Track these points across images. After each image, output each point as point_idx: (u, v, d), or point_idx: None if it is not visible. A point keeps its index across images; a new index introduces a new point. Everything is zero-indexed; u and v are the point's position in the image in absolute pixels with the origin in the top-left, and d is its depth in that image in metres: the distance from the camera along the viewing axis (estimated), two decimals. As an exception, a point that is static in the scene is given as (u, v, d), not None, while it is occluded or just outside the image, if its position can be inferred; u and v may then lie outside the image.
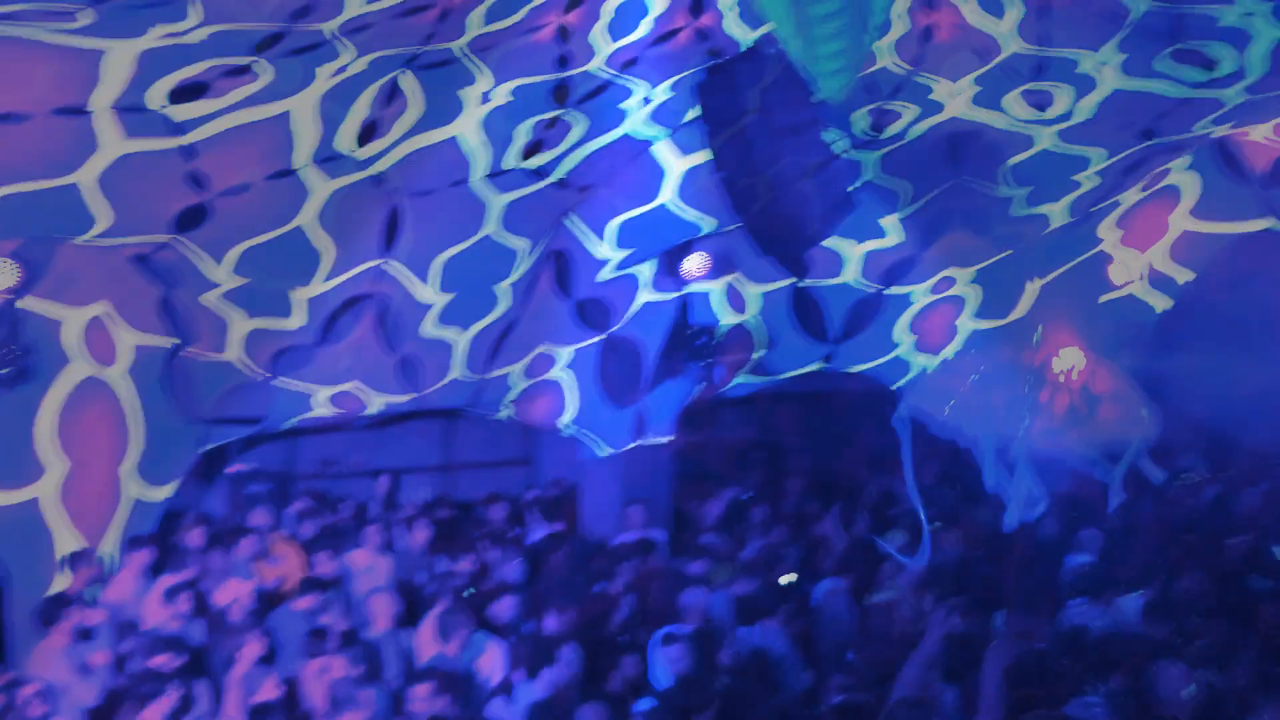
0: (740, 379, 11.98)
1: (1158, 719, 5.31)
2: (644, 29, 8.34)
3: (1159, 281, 12.59)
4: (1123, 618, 7.26)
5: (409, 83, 8.06)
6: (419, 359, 9.94)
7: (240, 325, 9.01)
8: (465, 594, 8.45)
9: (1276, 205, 11.77)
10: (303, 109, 7.75)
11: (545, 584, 8.84)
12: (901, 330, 12.04)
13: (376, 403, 10.11)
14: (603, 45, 8.34)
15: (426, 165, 8.76)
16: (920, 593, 8.06)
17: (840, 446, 13.67)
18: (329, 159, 8.26)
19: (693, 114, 8.97)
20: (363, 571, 8.93)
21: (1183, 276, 12.35)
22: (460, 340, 10.04)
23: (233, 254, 8.47)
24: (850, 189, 10.08)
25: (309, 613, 7.71)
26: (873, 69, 8.95)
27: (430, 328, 9.79)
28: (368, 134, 8.27)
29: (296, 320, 9.17)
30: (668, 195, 10.03)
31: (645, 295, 10.96)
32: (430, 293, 9.53)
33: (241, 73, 7.26)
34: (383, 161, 8.58)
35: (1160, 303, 12.82)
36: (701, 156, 9.34)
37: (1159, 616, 6.88)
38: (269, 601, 8.15)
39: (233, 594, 7.80)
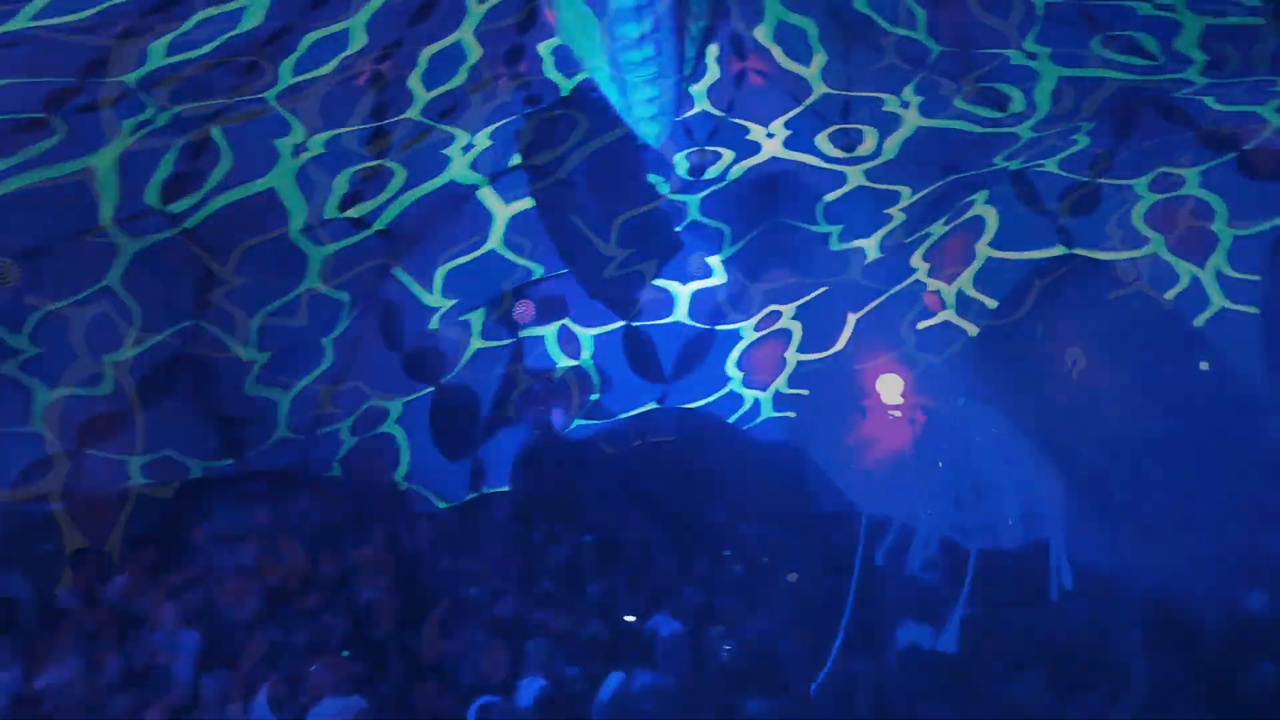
0: (578, 422, 11.98)
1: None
2: (461, 76, 8.31)
3: (967, 308, 13.29)
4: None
5: (219, 135, 7.79)
6: (241, 420, 9.53)
7: (42, 395, 8.42)
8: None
9: (1067, 232, 12.62)
10: (104, 165, 7.37)
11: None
12: (732, 366, 12.29)
13: (195, 469, 9.61)
14: (420, 92, 8.26)
15: (241, 218, 8.46)
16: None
17: (680, 485, 13.77)
18: (135, 215, 7.87)
19: (515, 160, 8.98)
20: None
21: (989, 303, 13.07)
22: (284, 399, 9.68)
23: (31, 321, 7.95)
24: (677, 230, 10.34)
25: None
26: (690, 113, 9.17)
27: (252, 386, 9.41)
28: (177, 188, 7.93)
29: (106, 388, 8.65)
30: (495, 241, 9.99)
31: (477, 343, 10.85)
32: (250, 351, 9.18)
33: (34, 127, 6.86)
34: (194, 216, 8.24)
35: (971, 328, 13.53)
36: (526, 202, 9.36)
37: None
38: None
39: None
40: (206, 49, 6.87)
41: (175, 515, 9.03)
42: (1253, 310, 13.22)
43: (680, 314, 11.59)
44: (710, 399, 12.48)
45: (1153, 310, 14.13)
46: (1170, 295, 13.47)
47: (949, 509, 10.79)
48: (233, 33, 6.87)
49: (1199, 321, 13.42)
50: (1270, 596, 8.21)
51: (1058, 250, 12.90)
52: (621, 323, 11.27)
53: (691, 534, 11.23)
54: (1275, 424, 12.81)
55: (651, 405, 12.24)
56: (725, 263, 11.20)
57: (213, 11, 6.51)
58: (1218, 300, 13.21)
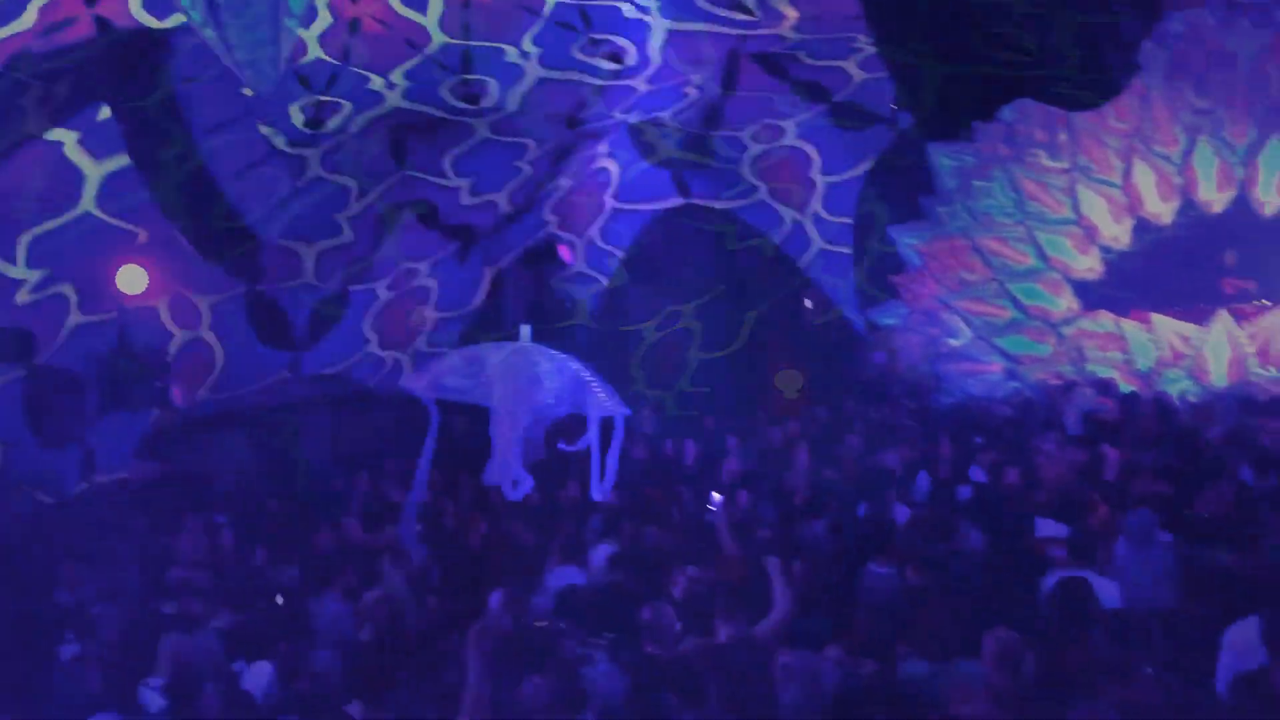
0: (203, 397, 11.12)
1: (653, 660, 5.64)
2: (30, 18, 7.33)
3: (598, 259, 13.75)
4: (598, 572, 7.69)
5: None
6: None
7: None
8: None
9: (684, 182, 13.33)
10: None
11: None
12: (369, 327, 11.90)
13: None
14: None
15: None
16: (417, 586, 8.01)
17: (324, 454, 13.21)
18: None
19: (105, 113, 8.08)
20: None
21: (617, 253, 13.57)
22: None
23: None
24: (296, 186, 9.79)
25: None
26: (305, 60, 8.67)
27: None
28: None
29: None
30: (89, 204, 8.95)
31: (75, 318, 9.70)
32: None
33: None
34: None
35: (604, 279, 14.03)
36: (122, 159, 8.46)
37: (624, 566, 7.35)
38: None
39: None
40: None
41: None
42: (846, 250, 14.67)
43: (308, 276, 11.03)
44: (348, 363, 12.04)
45: (764, 254, 15.32)
46: (778, 240, 14.65)
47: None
48: None
49: (803, 262, 14.71)
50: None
51: (677, 201, 13.61)
52: (242, 286, 10.52)
53: (341, 505, 10.78)
54: (876, 357, 14.33)
55: (283, 374, 11.60)
56: (353, 221, 10.77)
57: None
58: (817, 242, 14.51)
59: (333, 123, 9.67)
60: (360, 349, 12.02)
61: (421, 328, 12.47)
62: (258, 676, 6.67)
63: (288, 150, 9.37)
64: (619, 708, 5.13)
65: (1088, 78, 5.94)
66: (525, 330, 7.74)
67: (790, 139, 13.12)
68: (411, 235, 11.26)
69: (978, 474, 8.73)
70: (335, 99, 9.39)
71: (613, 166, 12.71)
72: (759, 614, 5.89)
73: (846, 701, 4.62)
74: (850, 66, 11.23)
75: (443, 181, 10.92)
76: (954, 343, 14.58)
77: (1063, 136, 14.04)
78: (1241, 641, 4.79)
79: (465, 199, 11.39)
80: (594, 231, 13.52)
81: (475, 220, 11.81)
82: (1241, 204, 13.44)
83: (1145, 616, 5.25)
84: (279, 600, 8.47)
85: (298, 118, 9.37)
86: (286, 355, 11.37)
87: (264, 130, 8.87)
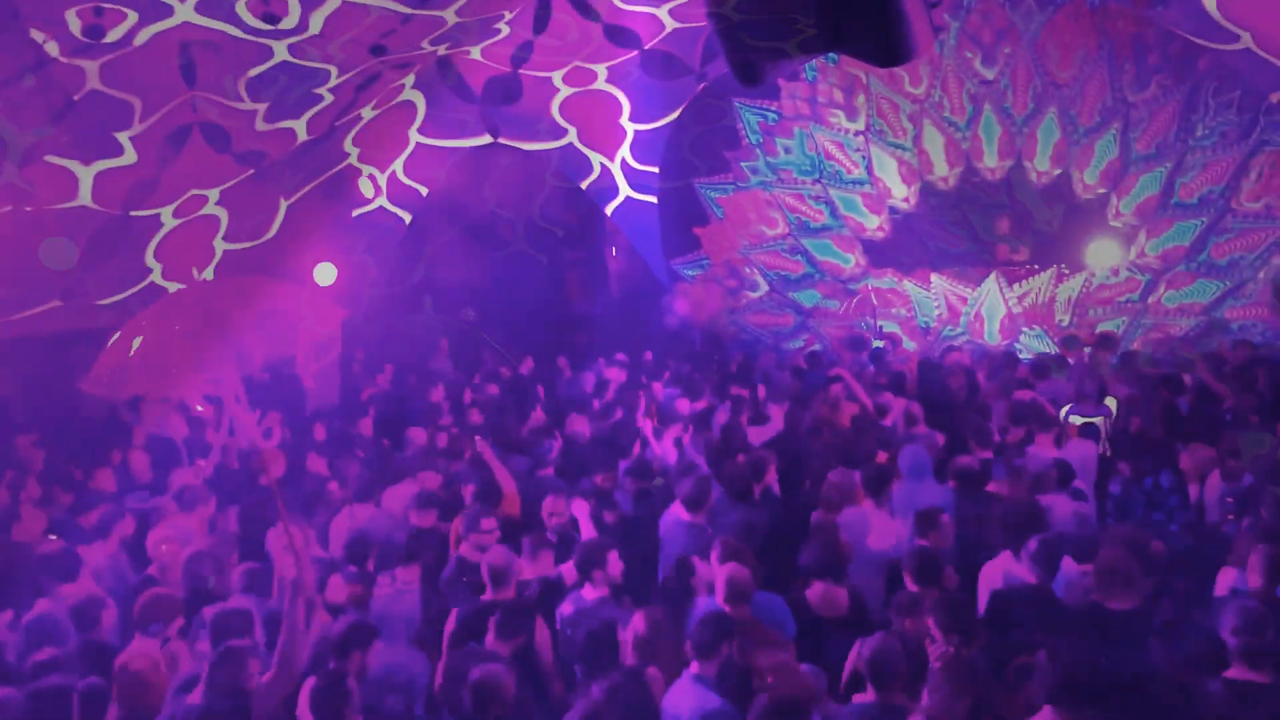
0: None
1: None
2: None
3: (400, 195, 13.38)
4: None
5: None
6: None
7: None
8: None
9: (493, 121, 13.10)
10: None
11: None
12: (150, 256, 11.18)
13: None
14: None
15: None
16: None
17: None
18: None
19: None
20: None
21: (422, 190, 13.24)
22: None
23: None
24: (75, 98, 9.05)
25: None
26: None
27: None
28: None
29: None
30: None
31: None
32: None
33: None
34: None
35: (405, 215, 13.66)
36: None
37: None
38: None
39: None
40: None
41: None
42: (651, 200, 14.84)
43: (84, 198, 10.23)
44: (129, 292, 11.28)
45: (574, 198, 15.33)
46: (585, 184, 14.65)
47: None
48: None
49: (609, 209, 14.78)
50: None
51: (485, 139, 13.37)
52: (9, 207, 9.66)
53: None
54: (668, 302, 14.60)
55: (56, 303, 10.77)
56: (134, 140, 10.03)
57: None
58: (624, 189, 14.61)
59: (115, 33, 8.94)
60: (142, 279, 11.30)
61: (209, 259, 11.82)
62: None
63: (61, 60, 8.62)
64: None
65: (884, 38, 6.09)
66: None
67: (600, 84, 13.10)
68: (201, 160, 10.59)
69: (776, 420, 9.05)
70: (118, 6, 8.68)
71: (418, 100, 12.35)
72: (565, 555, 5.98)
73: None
74: (662, 14, 11.29)
75: (236, 105, 10.31)
76: (752, 295, 15.05)
77: (860, 99, 14.61)
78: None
79: (260, 124, 10.80)
80: (397, 165, 13.13)
81: (269, 148, 11.24)
82: (1018, 171, 14.39)
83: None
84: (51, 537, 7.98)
85: (75, 24, 8.62)
86: (63, 280, 10.56)
87: (35, 36, 8.13)
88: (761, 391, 10.36)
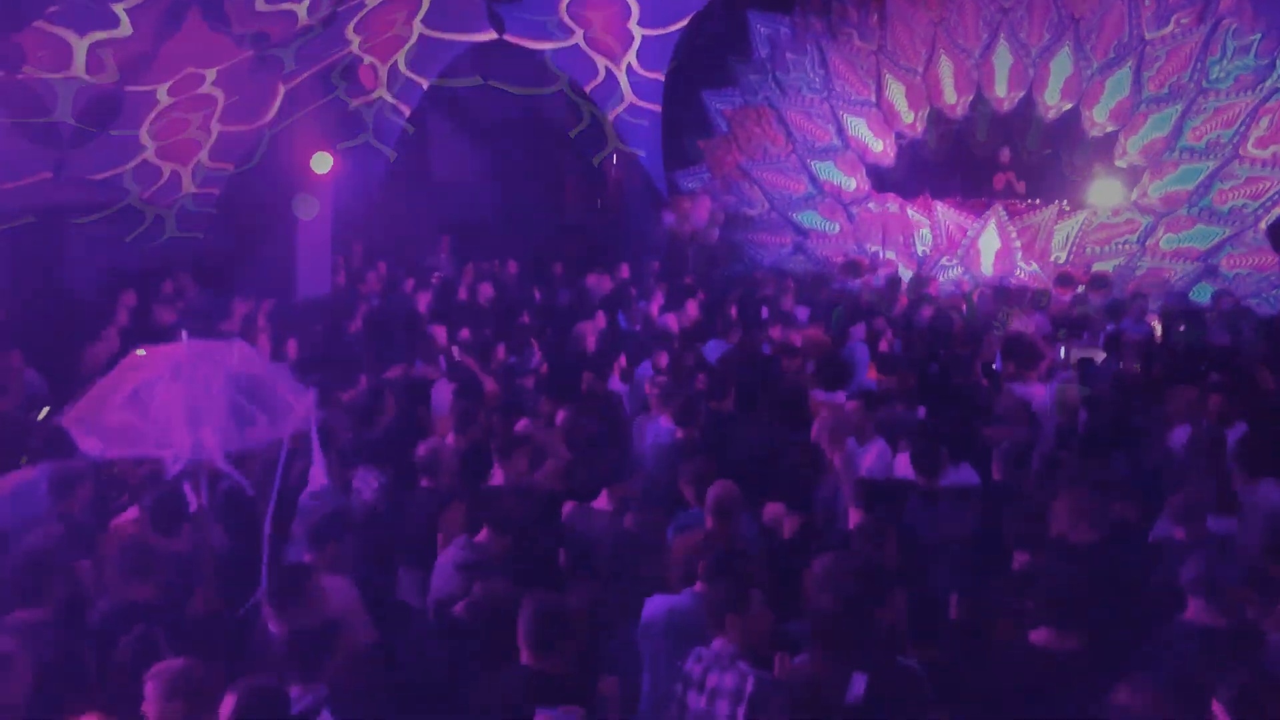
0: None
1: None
2: None
3: (401, 88, 13.16)
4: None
5: None
6: None
7: None
8: None
9: (499, 17, 12.81)
10: None
11: None
12: (146, 135, 10.98)
13: None
14: None
15: None
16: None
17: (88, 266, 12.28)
18: None
19: None
20: None
21: (422, 81, 12.97)
22: None
23: None
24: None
25: None
26: None
27: None
28: None
29: None
30: None
31: None
32: None
33: None
34: None
35: (405, 108, 13.46)
36: None
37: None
38: None
39: None
40: None
41: None
42: (655, 108, 14.60)
43: (78, 69, 10.00)
44: (122, 169, 11.13)
45: (570, 104, 15.08)
46: (589, 88, 14.40)
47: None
48: None
49: (612, 115, 14.55)
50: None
51: (490, 35, 13.08)
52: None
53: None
54: (665, 218, 14.49)
55: (43, 175, 10.60)
56: (130, 12, 9.78)
57: None
58: (628, 95, 14.36)
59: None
60: (134, 155, 11.12)
61: (205, 140, 11.63)
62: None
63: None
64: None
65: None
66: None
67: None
68: (199, 37, 10.33)
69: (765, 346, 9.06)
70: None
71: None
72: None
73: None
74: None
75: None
76: (750, 212, 14.94)
77: (875, 19, 14.34)
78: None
79: (260, 4, 10.52)
80: (399, 57, 12.86)
81: (270, 29, 10.97)
82: (1027, 104, 14.20)
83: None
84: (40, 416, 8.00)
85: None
86: (50, 153, 10.39)
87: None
88: (754, 310, 10.34)
